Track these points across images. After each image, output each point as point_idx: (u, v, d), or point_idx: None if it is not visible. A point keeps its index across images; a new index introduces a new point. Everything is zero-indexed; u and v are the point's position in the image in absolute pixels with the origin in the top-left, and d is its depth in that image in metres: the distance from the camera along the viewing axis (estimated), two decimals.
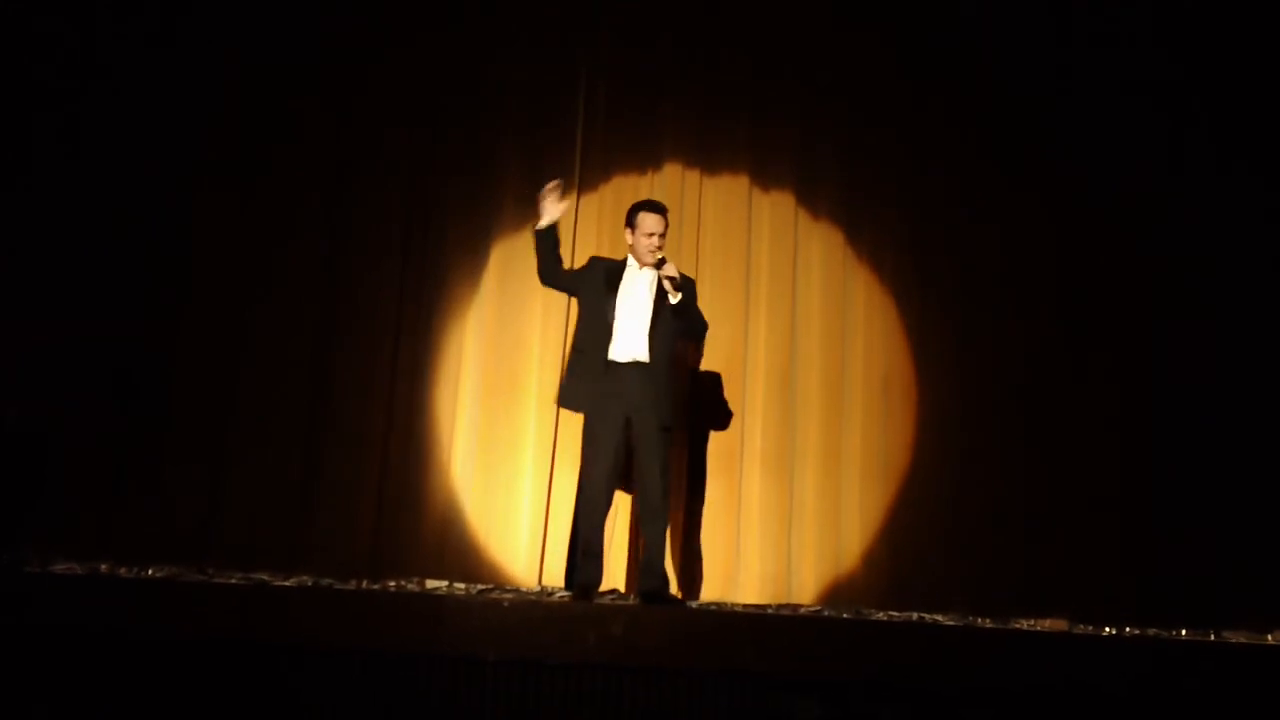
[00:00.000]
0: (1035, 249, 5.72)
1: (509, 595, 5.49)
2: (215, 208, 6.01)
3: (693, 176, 6.11)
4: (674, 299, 4.83)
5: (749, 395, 5.88)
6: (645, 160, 6.13)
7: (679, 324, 4.89)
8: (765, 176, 6.10)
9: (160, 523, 5.68)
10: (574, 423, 5.83)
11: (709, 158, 6.10)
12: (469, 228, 6.08)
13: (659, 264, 4.86)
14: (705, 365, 5.92)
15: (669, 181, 6.10)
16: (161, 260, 5.94)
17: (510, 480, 5.90)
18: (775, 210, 6.07)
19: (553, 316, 6.00)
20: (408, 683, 4.04)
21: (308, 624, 4.08)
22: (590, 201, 6.11)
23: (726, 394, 5.88)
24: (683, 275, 4.92)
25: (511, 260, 6.05)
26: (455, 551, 5.83)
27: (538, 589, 5.70)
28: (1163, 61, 5.58)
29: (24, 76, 5.87)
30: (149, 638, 3.70)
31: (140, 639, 3.66)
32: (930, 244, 5.81)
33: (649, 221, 4.96)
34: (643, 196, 5.85)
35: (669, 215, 5.08)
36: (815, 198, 6.02)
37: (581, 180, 6.07)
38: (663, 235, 4.98)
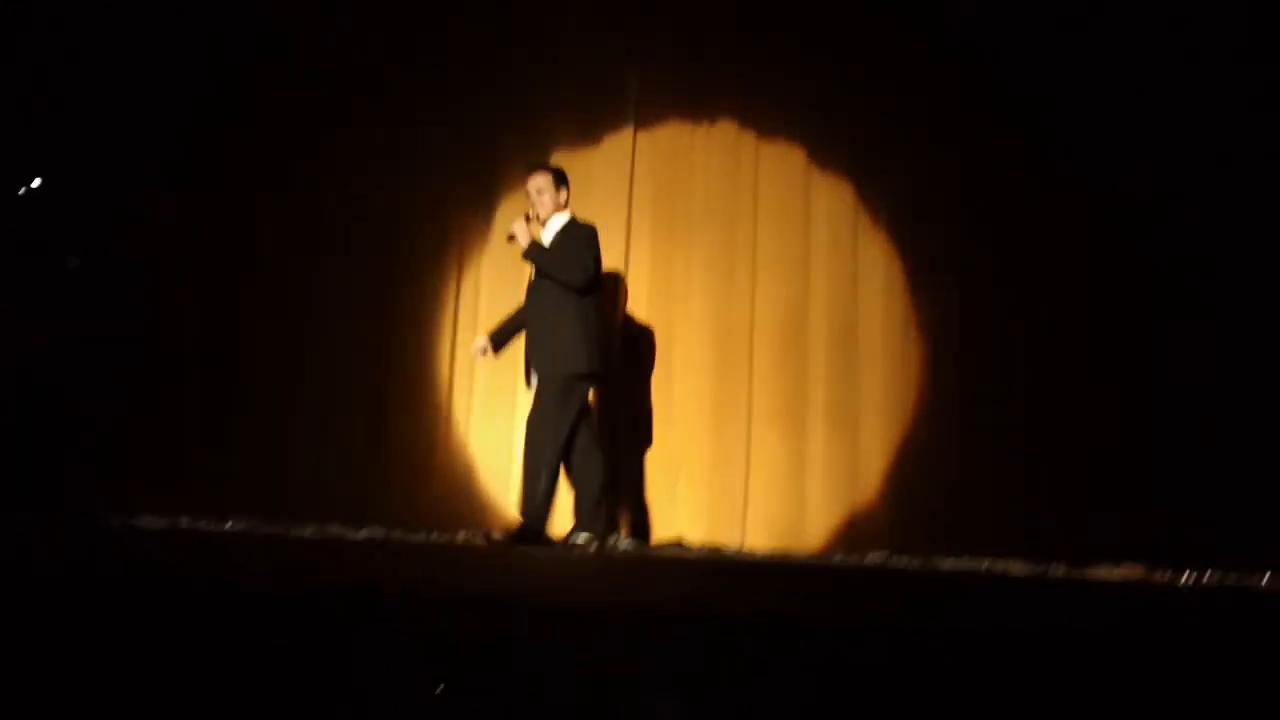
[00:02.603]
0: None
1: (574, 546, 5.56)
2: (274, 172, 6.08)
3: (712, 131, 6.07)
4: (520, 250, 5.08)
5: (757, 350, 5.90)
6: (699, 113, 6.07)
7: (545, 274, 5.04)
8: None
9: (236, 478, 5.82)
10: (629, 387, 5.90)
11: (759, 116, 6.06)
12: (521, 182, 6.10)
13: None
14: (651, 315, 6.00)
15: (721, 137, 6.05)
16: (224, 226, 6.04)
17: None
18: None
19: (612, 264, 6.00)
20: (476, 630, 4.10)
21: (381, 574, 4.16)
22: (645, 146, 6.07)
23: (659, 343, 5.94)
24: (572, 224, 5.10)
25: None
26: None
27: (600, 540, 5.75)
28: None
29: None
30: (227, 589, 3.79)
31: (219, 590, 3.75)
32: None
33: (526, 184, 5.21)
34: (697, 149, 5.86)
35: (545, 172, 5.19)
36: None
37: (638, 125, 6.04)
38: (539, 191, 5.15)
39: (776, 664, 2.99)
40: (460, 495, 6.00)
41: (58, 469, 5.59)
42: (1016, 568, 5.22)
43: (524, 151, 6.09)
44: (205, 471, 5.89)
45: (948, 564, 5.30)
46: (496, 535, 5.33)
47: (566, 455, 5.07)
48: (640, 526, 5.86)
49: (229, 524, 5.62)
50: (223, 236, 6.15)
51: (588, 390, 5.12)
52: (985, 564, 5.27)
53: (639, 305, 6.03)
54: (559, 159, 6.06)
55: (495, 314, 5.74)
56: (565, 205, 5.23)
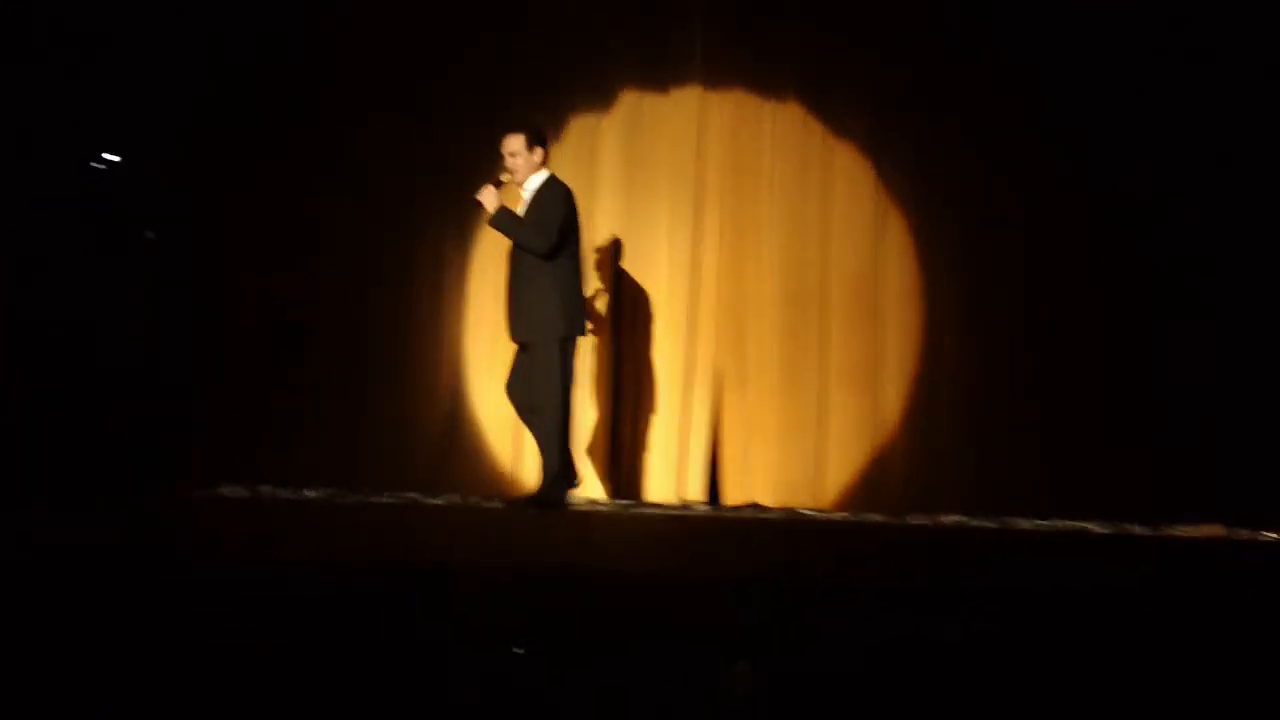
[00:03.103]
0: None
1: (652, 510, 5.61)
2: (334, 156, 6.12)
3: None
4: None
5: (831, 312, 5.89)
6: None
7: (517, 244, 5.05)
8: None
9: (315, 450, 5.93)
10: (706, 346, 5.90)
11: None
12: (583, 146, 6.09)
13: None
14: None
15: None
16: (291, 215, 6.11)
17: (644, 398, 5.98)
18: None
19: (679, 235, 5.99)
20: (555, 598, 4.14)
21: (459, 541, 4.21)
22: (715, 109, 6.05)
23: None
24: (546, 185, 5.05)
25: (634, 175, 6.04)
26: (595, 470, 5.96)
27: (679, 504, 5.79)
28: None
29: None
30: (302, 558, 3.84)
31: (294, 560, 3.80)
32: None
33: (501, 145, 5.12)
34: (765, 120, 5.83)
35: (517, 133, 5.07)
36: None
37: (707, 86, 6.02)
38: (513, 154, 5.05)
39: (857, 629, 2.99)
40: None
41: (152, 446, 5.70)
42: (1095, 527, 5.19)
43: (586, 95, 6.09)
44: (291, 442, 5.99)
45: (1023, 524, 5.28)
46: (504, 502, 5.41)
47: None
48: (713, 487, 5.87)
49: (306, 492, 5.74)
50: (287, 218, 6.19)
51: (573, 350, 5.11)
52: (1060, 524, 5.23)
53: (711, 264, 6.00)
54: (626, 100, 6.04)
55: None
56: (542, 164, 5.11)
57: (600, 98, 6.11)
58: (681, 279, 5.98)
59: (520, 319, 5.06)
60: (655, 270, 6.04)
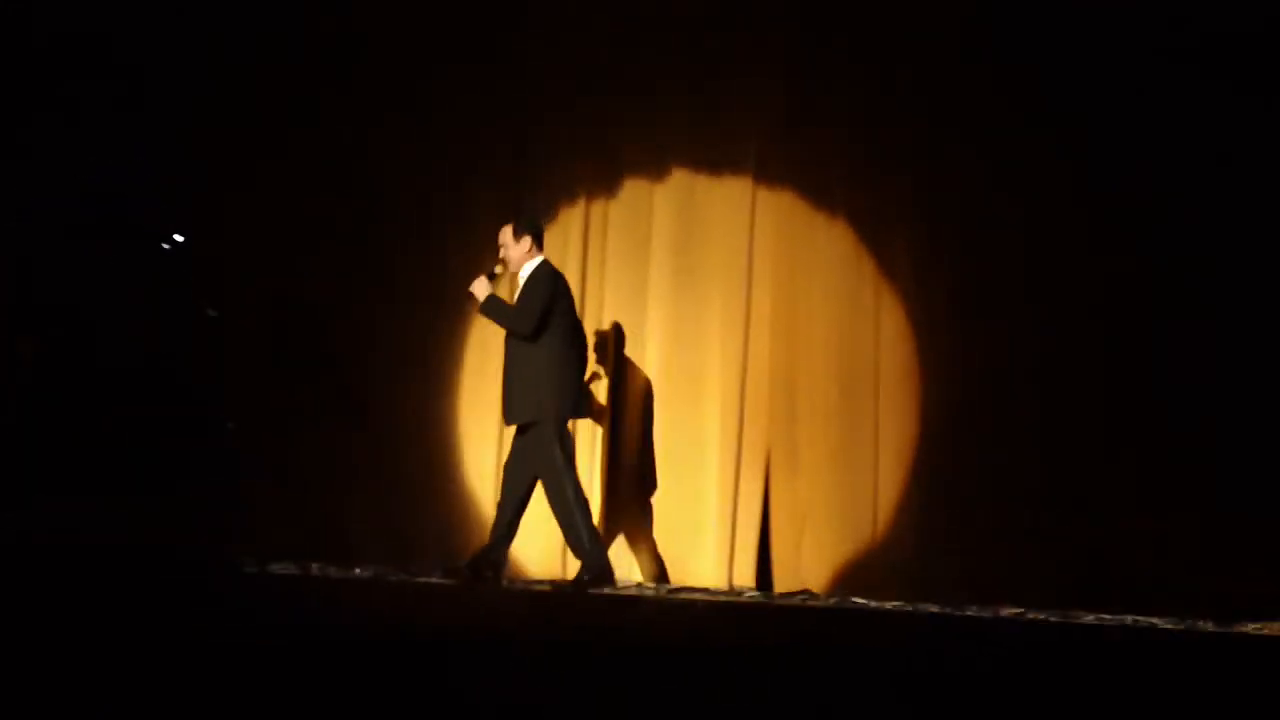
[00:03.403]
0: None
1: (699, 595, 5.52)
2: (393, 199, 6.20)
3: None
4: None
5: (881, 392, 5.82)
6: None
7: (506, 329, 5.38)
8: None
9: (366, 527, 5.94)
10: (757, 427, 5.85)
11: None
12: (633, 212, 6.12)
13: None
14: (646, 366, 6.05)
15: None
16: (342, 274, 6.18)
17: (694, 481, 5.91)
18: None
19: (733, 311, 5.97)
20: (605, 680, 4.08)
21: (510, 621, 4.17)
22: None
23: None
24: (535, 271, 5.34)
25: (687, 245, 6.04)
26: (640, 553, 5.90)
27: (727, 589, 5.70)
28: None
29: None
30: (355, 633, 3.82)
31: (347, 635, 3.78)
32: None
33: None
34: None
35: (508, 225, 5.45)
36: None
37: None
38: (504, 245, 5.43)
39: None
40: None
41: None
42: (1161, 622, 5.04)
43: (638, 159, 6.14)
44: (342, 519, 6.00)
45: (1088, 618, 5.13)
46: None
47: (518, 488, 5.30)
48: (764, 573, 5.78)
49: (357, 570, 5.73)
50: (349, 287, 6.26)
51: (564, 429, 5.30)
52: (1129, 619, 5.08)
53: (762, 351, 5.98)
54: (678, 176, 6.09)
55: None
56: (531, 252, 5.42)
57: (654, 164, 6.12)
58: (734, 357, 5.95)
59: (512, 401, 5.32)
60: (706, 347, 6.00)
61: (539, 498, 5.32)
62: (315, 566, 5.74)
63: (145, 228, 6.07)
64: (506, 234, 5.44)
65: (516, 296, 5.43)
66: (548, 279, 5.36)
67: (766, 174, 6.03)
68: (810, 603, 5.47)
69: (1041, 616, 5.14)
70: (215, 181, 6.18)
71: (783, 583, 5.75)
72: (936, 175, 5.81)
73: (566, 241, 6.09)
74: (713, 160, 6.07)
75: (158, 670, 2.90)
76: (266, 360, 6.13)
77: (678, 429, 5.97)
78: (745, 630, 4.29)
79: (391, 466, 6.10)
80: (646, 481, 5.96)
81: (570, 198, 6.18)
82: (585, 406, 5.63)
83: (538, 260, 5.42)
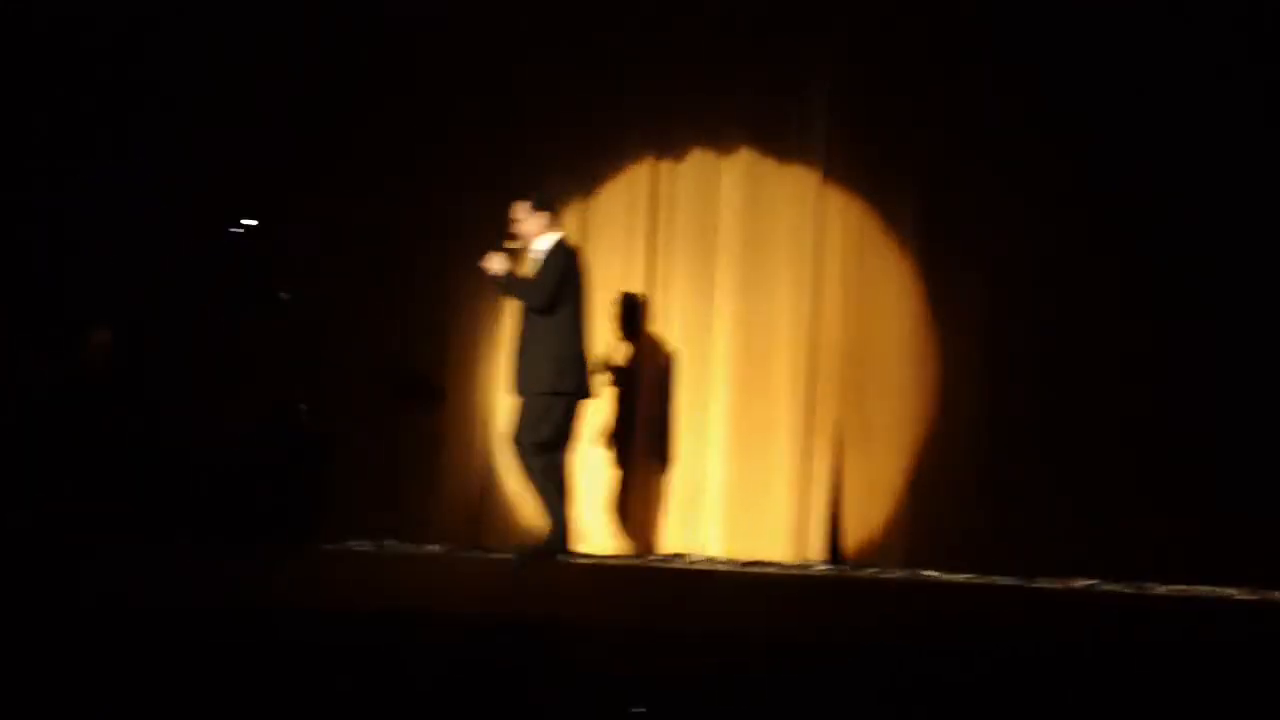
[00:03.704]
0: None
1: (772, 569, 5.54)
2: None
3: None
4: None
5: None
6: None
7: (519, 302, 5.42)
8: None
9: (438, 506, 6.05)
10: (828, 401, 5.85)
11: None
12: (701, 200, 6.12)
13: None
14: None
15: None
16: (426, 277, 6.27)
17: (768, 455, 5.91)
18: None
19: (804, 288, 5.95)
20: (676, 657, 4.11)
21: (581, 597, 4.21)
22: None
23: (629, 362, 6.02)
24: (552, 247, 5.35)
25: (756, 225, 6.04)
26: (713, 525, 5.93)
27: (799, 562, 5.70)
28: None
29: None
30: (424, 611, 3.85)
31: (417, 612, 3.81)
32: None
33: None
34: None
35: (525, 199, 5.44)
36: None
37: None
38: (518, 220, 5.44)
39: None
40: None
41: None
42: (1234, 592, 4.96)
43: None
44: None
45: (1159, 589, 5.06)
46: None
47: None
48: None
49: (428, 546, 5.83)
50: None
51: (567, 406, 5.34)
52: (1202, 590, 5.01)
53: (832, 324, 5.95)
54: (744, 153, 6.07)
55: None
56: (549, 227, 5.44)
57: (717, 142, 6.12)
58: (803, 332, 5.94)
59: (520, 373, 5.35)
60: (777, 322, 5.99)
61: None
62: (388, 544, 5.87)
63: (217, 218, 6.19)
64: (523, 208, 5.44)
65: (536, 270, 5.39)
66: (565, 254, 5.40)
67: (835, 154, 5.99)
68: (882, 575, 5.46)
69: (1116, 589, 5.09)
70: (289, 177, 6.32)
71: (853, 557, 5.74)
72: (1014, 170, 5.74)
73: (633, 208, 6.15)
74: (781, 138, 6.04)
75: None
76: (335, 346, 6.27)
77: (749, 405, 5.97)
78: (818, 605, 4.28)
79: (462, 448, 6.23)
80: (659, 455, 6.00)
81: (635, 173, 6.21)
82: (592, 385, 5.59)
83: (554, 236, 5.44)
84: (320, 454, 6.05)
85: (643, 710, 3.10)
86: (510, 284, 5.41)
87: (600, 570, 5.34)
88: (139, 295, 6.21)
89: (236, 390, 6.01)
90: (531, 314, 5.34)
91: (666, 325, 6.11)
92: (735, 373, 5.99)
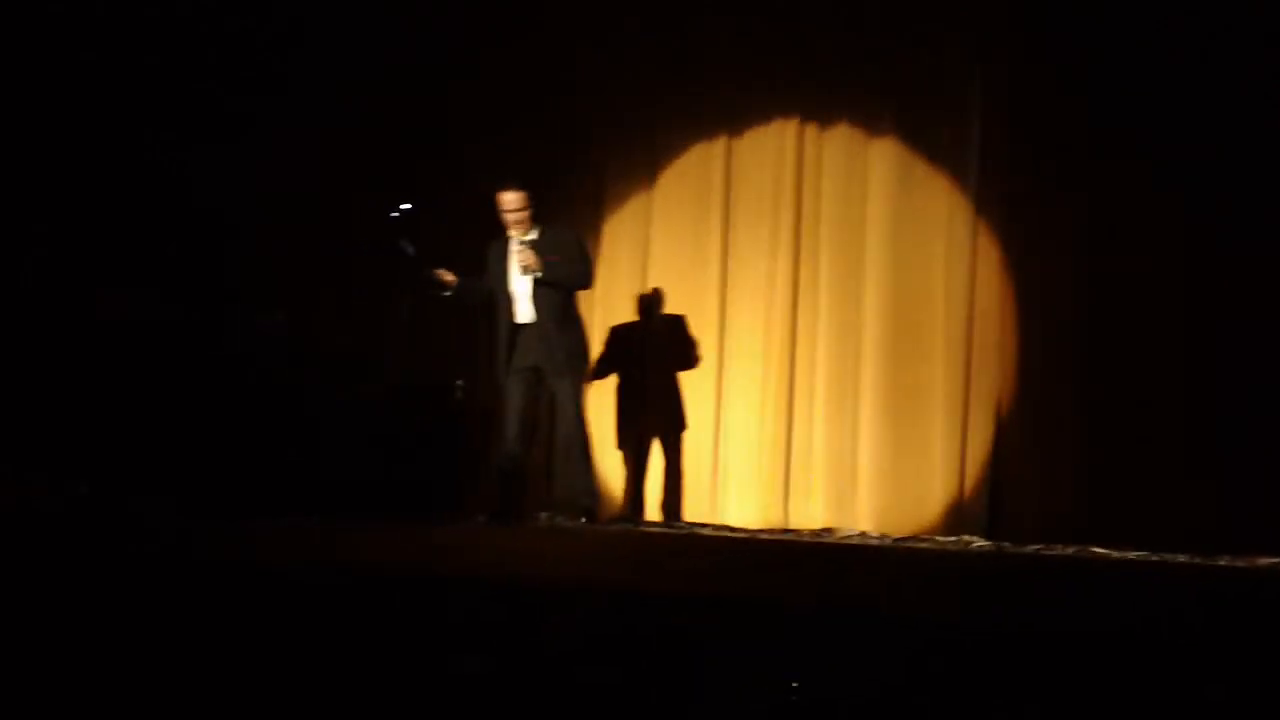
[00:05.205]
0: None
1: (924, 544, 5.39)
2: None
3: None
4: (532, 275, 5.46)
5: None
6: None
7: (552, 286, 5.46)
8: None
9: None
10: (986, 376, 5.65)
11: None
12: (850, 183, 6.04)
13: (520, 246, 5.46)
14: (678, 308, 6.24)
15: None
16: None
17: (922, 426, 5.79)
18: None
19: (956, 263, 5.79)
20: (810, 635, 4.00)
21: (704, 572, 4.14)
22: None
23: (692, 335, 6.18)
24: (555, 233, 5.51)
25: (904, 204, 5.91)
26: (864, 501, 5.82)
27: (954, 539, 5.53)
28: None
29: None
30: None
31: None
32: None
33: (500, 201, 5.49)
34: None
35: (518, 189, 5.47)
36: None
37: None
38: (519, 209, 5.44)
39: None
40: None
41: None
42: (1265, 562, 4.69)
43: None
44: None
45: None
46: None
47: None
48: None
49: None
50: None
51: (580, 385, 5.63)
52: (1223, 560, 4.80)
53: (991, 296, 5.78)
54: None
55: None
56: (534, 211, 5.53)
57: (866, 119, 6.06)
58: (959, 304, 5.78)
59: (561, 353, 5.46)
60: (930, 295, 5.88)
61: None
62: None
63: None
64: (521, 198, 5.46)
65: (564, 253, 5.50)
66: (578, 234, 5.70)
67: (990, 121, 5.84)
68: (1045, 552, 5.24)
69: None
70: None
71: (1012, 534, 5.53)
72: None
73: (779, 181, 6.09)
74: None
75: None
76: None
77: (899, 378, 5.87)
78: (977, 583, 4.13)
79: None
80: (674, 427, 6.09)
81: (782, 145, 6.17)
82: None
83: (544, 222, 5.54)
84: (476, 431, 6.15)
85: (797, 685, 3.03)
86: (558, 272, 5.45)
87: (747, 545, 5.28)
88: (301, 278, 6.42)
89: (393, 366, 6.15)
90: (561, 297, 5.47)
91: (814, 296, 6.03)
92: (886, 344, 5.90)
